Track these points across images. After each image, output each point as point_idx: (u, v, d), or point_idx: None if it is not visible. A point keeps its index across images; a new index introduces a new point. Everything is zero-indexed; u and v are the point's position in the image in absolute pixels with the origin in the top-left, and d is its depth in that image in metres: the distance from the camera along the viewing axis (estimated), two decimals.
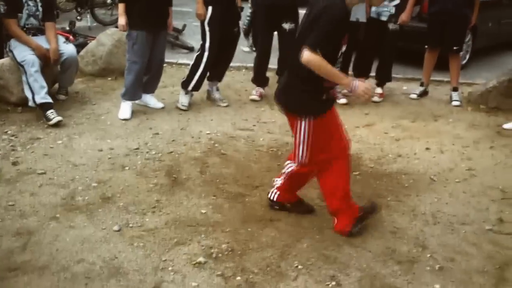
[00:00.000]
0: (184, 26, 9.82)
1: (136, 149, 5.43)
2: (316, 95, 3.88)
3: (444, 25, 7.31)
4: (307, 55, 3.59)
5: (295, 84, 3.92)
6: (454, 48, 7.43)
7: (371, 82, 7.50)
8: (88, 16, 10.92)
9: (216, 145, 5.64)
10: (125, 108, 6.24)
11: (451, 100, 7.48)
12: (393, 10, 7.08)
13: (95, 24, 10.81)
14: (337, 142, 4.03)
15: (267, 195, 4.43)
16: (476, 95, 7.48)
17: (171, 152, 5.41)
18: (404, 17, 7.11)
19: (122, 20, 6.12)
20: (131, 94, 6.30)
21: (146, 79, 6.49)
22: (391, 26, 7.15)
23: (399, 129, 6.38)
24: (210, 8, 6.41)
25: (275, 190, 4.38)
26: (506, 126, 6.66)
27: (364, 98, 3.80)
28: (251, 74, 7.37)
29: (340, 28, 3.77)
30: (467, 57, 9.42)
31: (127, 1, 6.12)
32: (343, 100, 7.05)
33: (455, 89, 7.55)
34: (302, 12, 7.02)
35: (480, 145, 6.11)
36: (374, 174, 5.21)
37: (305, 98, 3.90)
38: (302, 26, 3.90)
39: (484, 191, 5.02)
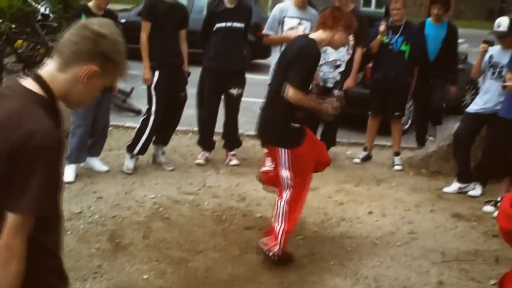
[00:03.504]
0: (132, 89, 9.85)
1: (79, 213, 5.37)
2: (291, 125, 4.46)
3: (386, 92, 7.54)
4: (291, 92, 4.27)
5: (273, 118, 4.55)
6: (396, 114, 7.66)
7: None
8: None
9: (160, 209, 5.62)
10: (69, 171, 6.18)
11: (393, 165, 7.66)
12: (338, 77, 7.28)
13: None
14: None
15: (268, 255, 4.58)
16: (417, 160, 7.68)
17: (115, 216, 5.36)
18: (349, 83, 7.31)
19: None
20: (75, 157, 6.25)
21: (91, 142, 6.47)
22: (336, 92, 7.32)
23: (342, 193, 6.48)
24: (157, 73, 6.49)
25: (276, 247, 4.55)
26: (446, 189, 6.83)
27: (336, 113, 4.71)
28: (197, 138, 7.42)
29: (315, 64, 4.51)
30: (409, 122, 9.69)
31: None
32: None
33: (397, 154, 7.74)
34: (249, 76, 7.24)
35: (421, 208, 6.24)
36: (317, 238, 5.26)
37: (283, 131, 4.50)
38: (279, 67, 4.59)
39: (425, 254, 5.11)
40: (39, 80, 2.01)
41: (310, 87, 4.54)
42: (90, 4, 6.20)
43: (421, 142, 8.14)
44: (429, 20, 8.04)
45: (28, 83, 2.00)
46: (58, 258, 2.18)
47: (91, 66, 2.02)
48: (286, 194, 4.56)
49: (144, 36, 6.49)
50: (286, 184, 4.55)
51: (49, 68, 2.04)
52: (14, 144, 1.86)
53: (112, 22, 2.12)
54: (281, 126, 4.50)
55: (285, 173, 4.52)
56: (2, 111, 1.92)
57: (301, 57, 4.38)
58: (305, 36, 4.75)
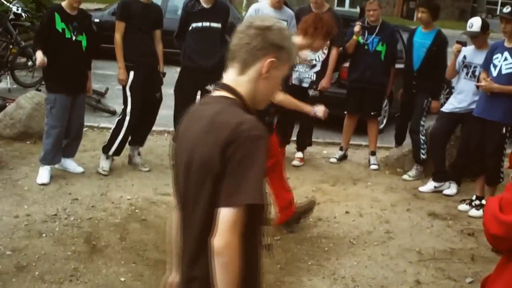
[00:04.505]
0: (107, 89, 9.77)
1: (54, 215, 5.30)
2: (265, 119, 4.63)
3: (362, 92, 7.58)
4: (278, 96, 4.46)
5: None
6: (372, 113, 7.70)
7: (291, 147, 7.65)
8: (8, 77, 10.73)
9: (136, 210, 5.58)
10: (44, 173, 6.11)
11: (369, 164, 7.69)
12: (313, 77, 7.29)
13: (15, 86, 10.62)
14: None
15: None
16: (393, 159, 7.73)
17: (90, 218, 5.31)
18: (324, 83, 7.32)
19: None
20: (50, 158, 6.18)
21: (66, 143, 6.40)
22: (311, 92, 7.34)
23: (319, 193, 6.49)
24: (132, 73, 6.44)
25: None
26: (422, 189, 6.89)
27: (325, 116, 5.04)
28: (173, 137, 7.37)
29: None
30: (384, 122, 9.75)
31: (47, 64, 6.08)
32: None
33: (373, 153, 7.78)
34: None
35: (397, 208, 6.28)
36: (295, 238, 5.26)
37: None
38: None
39: (401, 254, 5.14)
40: (227, 87, 2.17)
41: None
42: (63, 3, 6.13)
43: (400, 142, 7.98)
44: (420, 27, 7.41)
45: (219, 92, 2.19)
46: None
47: (268, 58, 2.13)
48: None
49: (118, 36, 6.43)
50: None
51: (230, 76, 2.21)
52: (226, 138, 1.96)
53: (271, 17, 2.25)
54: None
55: None
56: (210, 110, 2.10)
57: None
58: None
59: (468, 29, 6.51)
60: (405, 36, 10.24)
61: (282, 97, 4.61)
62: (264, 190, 1.99)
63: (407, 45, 7.55)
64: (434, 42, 7.09)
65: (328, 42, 7.19)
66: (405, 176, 7.28)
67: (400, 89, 7.64)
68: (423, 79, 7.14)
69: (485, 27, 6.43)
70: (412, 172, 7.30)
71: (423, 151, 7.22)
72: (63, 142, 6.36)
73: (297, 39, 4.82)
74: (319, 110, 5.01)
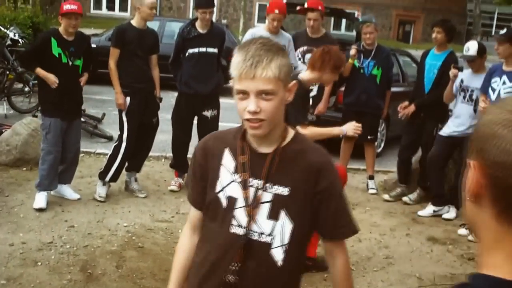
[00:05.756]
0: (104, 115, 9.76)
1: (50, 243, 5.24)
2: None
3: (358, 116, 7.53)
4: (302, 130, 4.33)
5: None
6: (369, 137, 7.67)
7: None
8: (5, 103, 10.72)
9: (133, 238, 5.52)
10: (40, 198, 6.05)
11: (367, 188, 7.66)
12: (310, 101, 7.27)
13: (11, 112, 10.61)
14: None
15: None
16: (392, 183, 7.69)
17: (87, 246, 5.25)
18: (320, 107, 7.31)
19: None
20: (47, 184, 6.13)
21: (62, 168, 6.35)
22: (308, 116, 7.31)
23: None
24: (128, 99, 6.42)
25: None
26: (421, 213, 6.84)
27: (357, 134, 5.03)
28: (170, 162, 7.34)
29: (305, 101, 5.02)
30: (382, 145, 9.73)
31: (43, 88, 6.08)
32: None
33: (371, 177, 7.74)
34: (222, 101, 7.20)
35: (396, 232, 6.23)
36: None
37: None
38: None
39: (401, 279, 5.09)
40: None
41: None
42: (60, 28, 6.12)
43: (405, 181, 7.39)
44: (433, 48, 7.17)
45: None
46: None
47: None
48: None
49: (112, 63, 6.42)
50: None
51: None
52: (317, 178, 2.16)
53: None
54: None
55: None
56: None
57: (296, 102, 4.64)
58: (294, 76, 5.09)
59: (464, 53, 6.51)
60: (401, 59, 10.33)
61: (306, 131, 4.44)
62: None
63: (419, 66, 7.49)
64: (444, 63, 6.90)
65: None
66: (405, 199, 7.23)
67: (404, 102, 7.33)
68: (431, 104, 7.01)
69: (481, 50, 6.43)
70: (414, 196, 7.25)
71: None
72: (60, 168, 6.31)
73: (306, 74, 4.92)
74: (349, 128, 4.99)
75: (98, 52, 13.13)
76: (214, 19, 7.09)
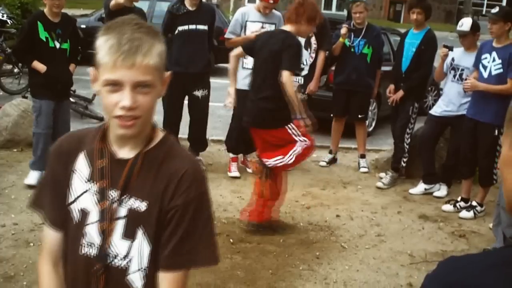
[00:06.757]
0: (94, 95, 9.68)
1: (42, 223, 5.19)
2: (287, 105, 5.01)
3: (348, 95, 7.56)
4: (286, 76, 4.89)
5: (273, 104, 5.05)
6: (359, 116, 7.67)
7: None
8: None
9: None
10: (33, 176, 6.04)
11: (359, 167, 7.67)
12: (301, 81, 7.27)
13: (1, 93, 10.54)
14: None
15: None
16: (383, 161, 7.70)
17: None
18: (311, 86, 7.30)
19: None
20: (41, 164, 6.09)
21: None
22: (299, 95, 7.31)
23: (309, 197, 6.46)
24: None
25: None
26: (412, 191, 6.88)
27: (308, 129, 5.15)
28: None
29: (300, 51, 5.21)
30: (373, 124, 9.74)
31: (32, 71, 6.05)
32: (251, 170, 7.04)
33: (362, 156, 7.76)
34: (212, 81, 7.17)
35: (388, 210, 6.26)
36: (285, 243, 5.22)
37: (284, 113, 5.04)
38: (261, 61, 5.20)
39: (393, 257, 5.11)
40: None
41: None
42: (45, 10, 6.05)
43: (396, 169, 7.23)
44: (412, 28, 7.15)
45: None
46: None
47: None
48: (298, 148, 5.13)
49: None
50: (303, 144, 5.12)
51: None
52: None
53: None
54: (283, 108, 5.01)
55: (301, 140, 5.09)
56: None
57: (289, 48, 5.00)
58: (281, 30, 5.44)
59: (458, 28, 6.51)
60: (392, 38, 10.30)
61: (291, 82, 4.98)
62: None
63: (398, 47, 7.45)
64: (422, 41, 6.90)
65: (315, 44, 7.23)
66: (379, 184, 7.06)
67: (389, 86, 7.29)
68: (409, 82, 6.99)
69: (475, 27, 6.41)
70: (387, 180, 7.11)
71: (404, 159, 7.14)
72: None
73: (287, 27, 5.21)
74: (304, 121, 5.12)
75: (88, 33, 13.06)
76: None
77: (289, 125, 5.07)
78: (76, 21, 6.63)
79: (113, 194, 1.75)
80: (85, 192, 1.79)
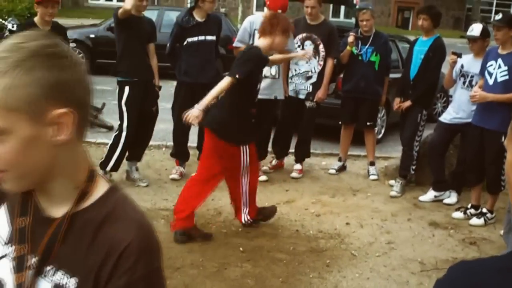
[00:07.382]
0: (103, 104, 9.73)
1: None
2: (247, 122, 5.21)
3: (357, 102, 7.56)
4: (225, 81, 5.05)
5: (229, 117, 5.14)
6: (368, 123, 7.67)
7: (290, 159, 7.62)
8: None
9: None
10: None
11: (368, 174, 7.66)
12: (310, 88, 7.28)
13: None
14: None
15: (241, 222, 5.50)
16: (392, 169, 7.68)
17: None
18: (320, 94, 7.30)
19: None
20: None
21: None
22: (308, 103, 7.33)
23: (319, 205, 6.45)
24: (127, 88, 6.40)
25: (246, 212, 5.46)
26: (422, 198, 6.85)
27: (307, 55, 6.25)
28: (171, 151, 7.34)
29: (251, 60, 5.07)
30: (382, 131, 9.72)
31: None
32: (263, 178, 7.05)
33: (372, 163, 7.74)
34: None
35: (398, 218, 6.24)
36: (295, 251, 5.21)
37: (242, 129, 5.18)
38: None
39: (404, 264, 5.10)
40: None
41: (258, 86, 5.35)
42: (36, 19, 6.04)
43: (404, 176, 7.19)
44: (421, 36, 7.10)
45: None
46: None
47: None
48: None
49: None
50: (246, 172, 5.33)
51: None
52: None
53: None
54: (237, 126, 5.17)
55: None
56: None
57: (243, 56, 5.15)
58: (251, 46, 5.54)
59: (469, 33, 6.49)
60: (400, 45, 10.29)
61: (224, 80, 5.12)
62: None
63: (407, 54, 7.43)
64: (430, 48, 6.87)
65: (324, 52, 7.24)
66: (392, 193, 7.02)
67: (396, 98, 7.29)
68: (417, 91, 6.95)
69: (485, 33, 6.38)
70: (398, 187, 7.08)
71: (413, 167, 7.13)
72: None
73: (260, 41, 5.25)
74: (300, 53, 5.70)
75: (97, 42, 13.18)
76: None
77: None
78: (66, 29, 6.62)
79: (35, 263, 1.32)
80: (2, 257, 1.36)
